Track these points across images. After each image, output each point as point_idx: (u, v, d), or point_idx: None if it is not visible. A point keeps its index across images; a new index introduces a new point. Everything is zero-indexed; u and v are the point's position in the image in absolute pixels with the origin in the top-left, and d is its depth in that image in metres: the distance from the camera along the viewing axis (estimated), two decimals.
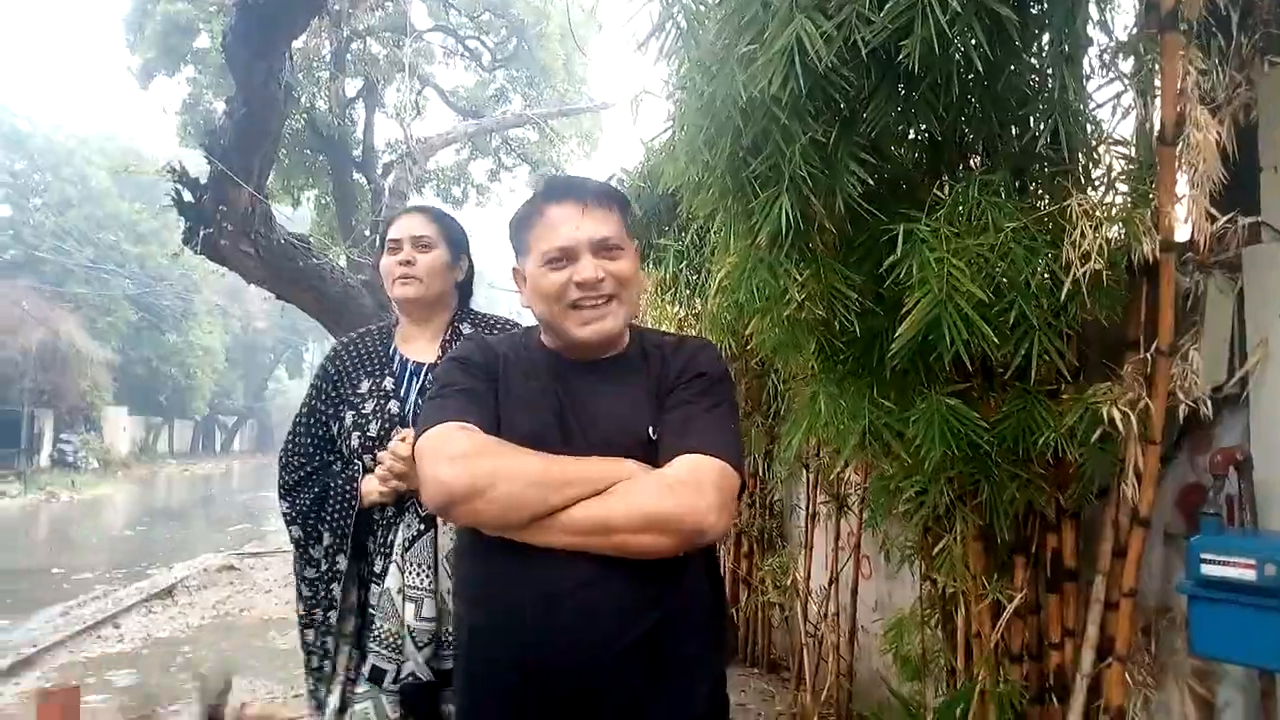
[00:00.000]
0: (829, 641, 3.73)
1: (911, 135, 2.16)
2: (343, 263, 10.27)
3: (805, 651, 3.89)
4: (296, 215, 17.70)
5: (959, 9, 1.62)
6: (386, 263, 2.12)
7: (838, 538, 3.71)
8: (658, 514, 1.35)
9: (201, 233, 7.33)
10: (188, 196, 7.38)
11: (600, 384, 1.53)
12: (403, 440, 1.92)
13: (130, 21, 13.64)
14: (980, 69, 1.77)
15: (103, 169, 26.49)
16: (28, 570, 11.19)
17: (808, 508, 4.00)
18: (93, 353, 26.55)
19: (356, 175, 14.44)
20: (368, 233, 13.48)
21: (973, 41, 1.73)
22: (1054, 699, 2.24)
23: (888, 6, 1.69)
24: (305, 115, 12.78)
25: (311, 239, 8.85)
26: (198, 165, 7.72)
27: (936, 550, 2.36)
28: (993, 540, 2.28)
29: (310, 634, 2.03)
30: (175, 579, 8.62)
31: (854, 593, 3.65)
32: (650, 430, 1.46)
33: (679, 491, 1.36)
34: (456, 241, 2.16)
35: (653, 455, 1.43)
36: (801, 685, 3.88)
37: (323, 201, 15.23)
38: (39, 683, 5.34)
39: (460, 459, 1.39)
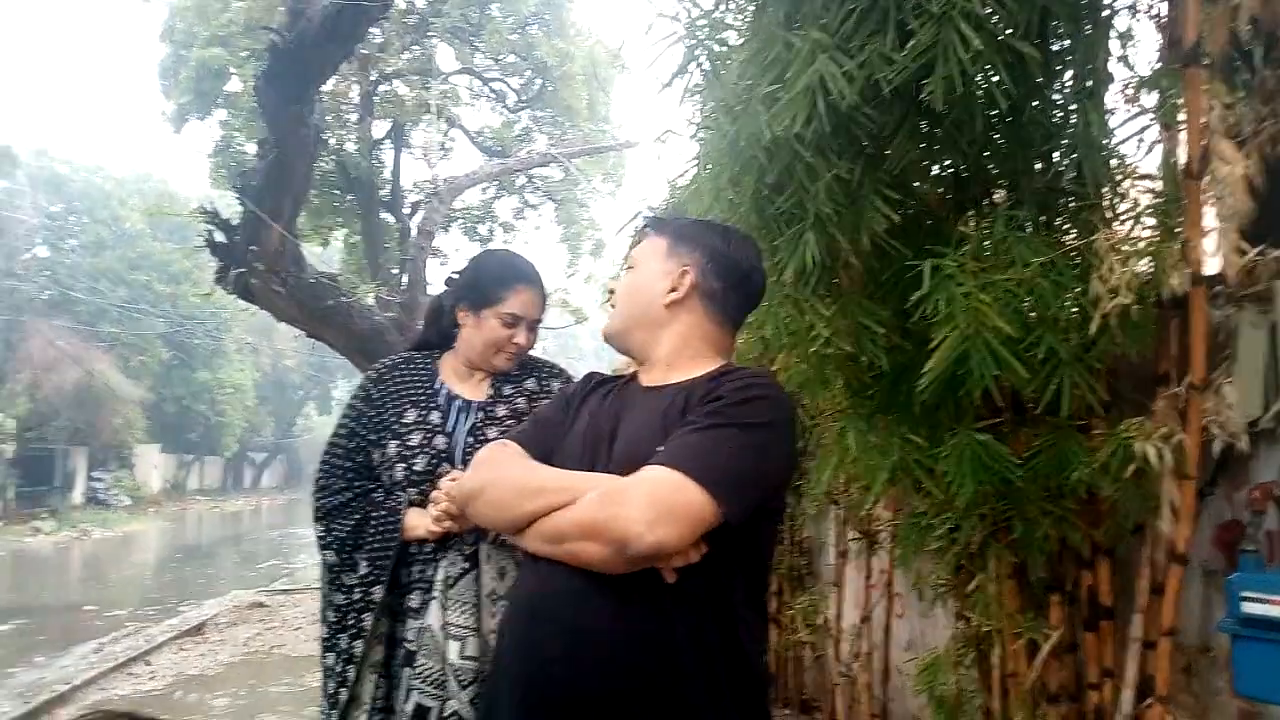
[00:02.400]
0: (862, 681, 3.67)
1: (936, 171, 2.17)
2: (370, 300, 10.36)
3: (838, 692, 3.84)
4: (326, 254, 17.94)
5: (981, 47, 1.63)
6: (499, 334, 2.07)
7: (869, 575, 3.66)
8: (589, 521, 1.37)
9: (233, 272, 7.46)
10: (220, 237, 7.52)
11: (643, 408, 1.57)
12: (453, 480, 1.92)
13: (165, 67, 13.98)
14: (1003, 106, 1.77)
15: (137, 211, 27.02)
16: (61, 607, 11.31)
17: (837, 545, 3.96)
18: (126, 391, 26.89)
19: (384, 215, 14.63)
20: (395, 271, 13.65)
21: (995, 79, 1.74)
22: None
23: (909, 45, 1.71)
24: (334, 157, 13.00)
25: (340, 278, 8.96)
26: (230, 206, 7.89)
27: (970, 588, 2.33)
28: (1026, 578, 2.25)
29: (330, 658, 2.03)
30: (206, 616, 8.66)
31: (887, 631, 3.60)
32: (660, 449, 1.46)
33: (608, 500, 1.37)
34: None
35: None
36: None
37: (351, 241, 15.42)
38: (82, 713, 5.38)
39: (477, 465, 1.62)
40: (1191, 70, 1.74)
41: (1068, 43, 1.89)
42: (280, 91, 6.56)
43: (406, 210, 14.53)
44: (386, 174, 14.80)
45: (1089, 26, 1.88)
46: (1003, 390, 1.89)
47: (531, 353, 2.31)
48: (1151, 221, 1.95)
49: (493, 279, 2.13)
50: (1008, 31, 1.72)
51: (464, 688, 1.88)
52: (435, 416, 2.07)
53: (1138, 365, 2.04)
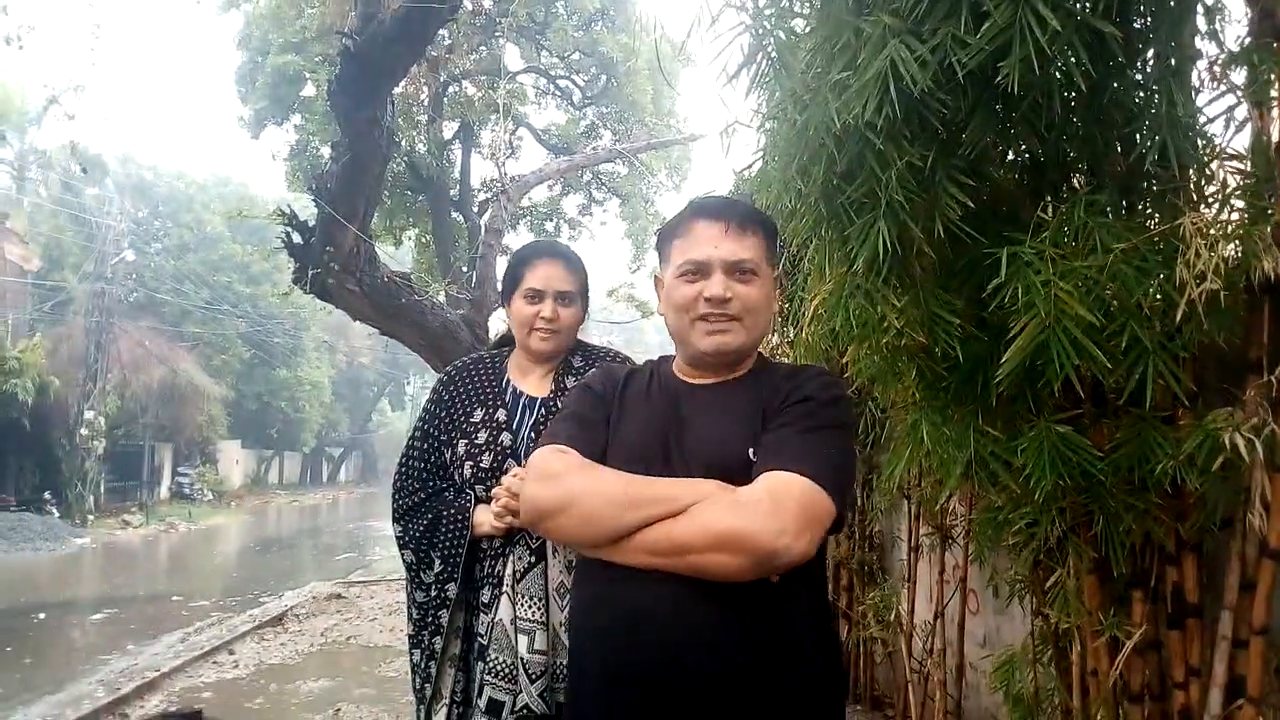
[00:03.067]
0: (935, 678, 3.61)
1: (1011, 156, 2.12)
2: (441, 298, 10.53)
3: (910, 689, 3.78)
4: (399, 254, 18.30)
5: (1059, 27, 1.58)
6: (525, 311, 2.11)
7: (942, 571, 3.60)
8: (727, 533, 1.33)
9: (310, 273, 7.64)
10: (297, 239, 7.71)
11: (710, 406, 1.54)
12: (516, 477, 1.94)
13: (242, 75, 14.39)
14: (1083, 87, 1.72)
15: (218, 214, 27.89)
16: (149, 598, 11.76)
17: (910, 540, 3.90)
18: (209, 389, 27.81)
19: (454, 214, 14.85)
20: (465, 269, 13.84)
21: (1074, 59, 1.69)
22: None
23: (984, 28, 1.66)
24: (406, 158, 13.24)
25: (413, 276, 9.12)
26: (306, 209, 8.08)
27: (1049, 584, 2.27)
28: (1108, 574, 2.18)
29: (417, 654, 2.08)
30: (285, 607, 8.91)
31: (960, 628, 3.53)
32: (751, 453, 1.45)
33: (751, 510, 1.33)
34: (586, 288, 2.19)
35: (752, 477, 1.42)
36: None
37: (423, 240, 15.70)
38: (162, 706, 5.58)
39: (548, 479, 1.49)
40: None
41: (1150, 19, 1.82)
42: (353, 95, 6.69)
43: (475, 209, 14.72)
44: (456, 174, 15.03)
45: (1174, 1, 1.82)
46: (1083, 381, 1.83)
47: (598, 343, 2.33)
48: (1240, 204, 1.88)
49: (514, 263, 2.19)
50: (1086, 10, 1.66)
51: (533, 681, 1.90)
52: (501, 414, 2.10)
53: (1226, 353, 1.96)
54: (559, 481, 1.47)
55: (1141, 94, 1.90)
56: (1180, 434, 1.92)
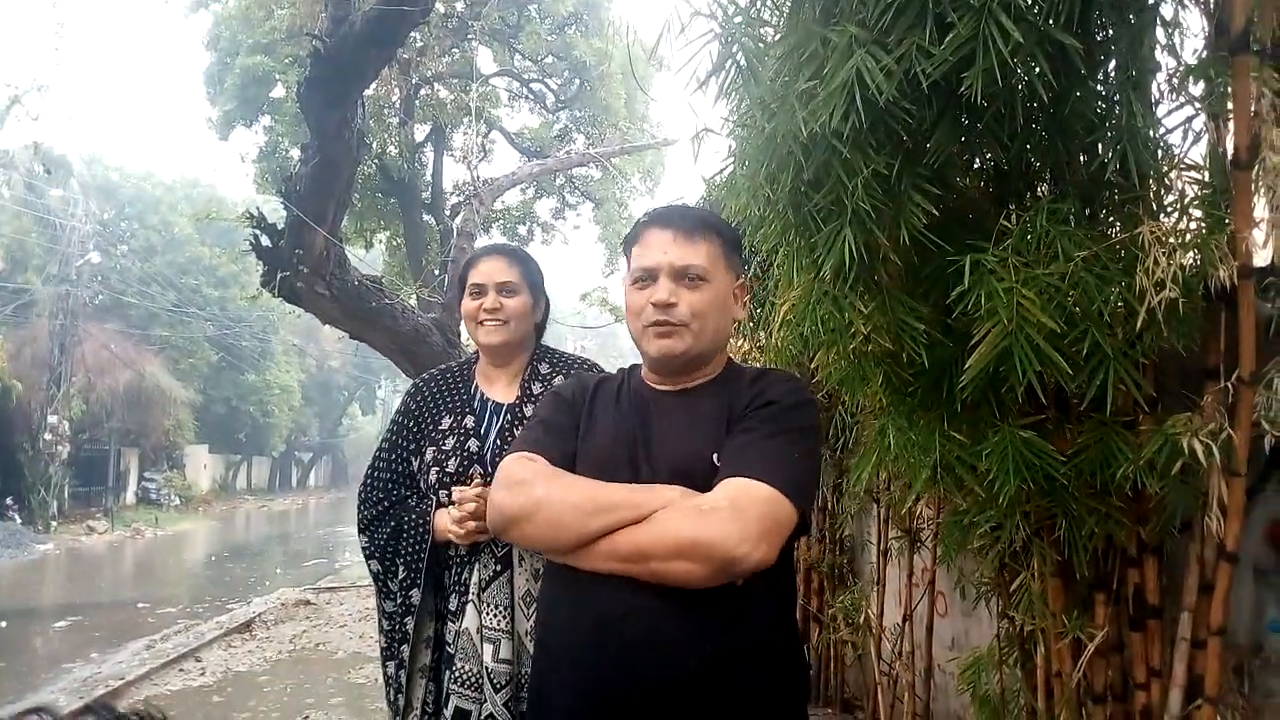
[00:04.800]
0: (904, 680, 3.64)
1: (976, 165, 2.15)
2: (413, 302, 10.48)
3: (879, 691, 3.81)
4: (369, 258, 18.20)
5: (1021, 39, 1.61)
6: (469, 307, 2.15)
7: (911, 574, 3.63)
8: (688, 540, 1.34)
9: (279, 276, 7.56)
10: (266, 241, 7.63)
11: (676, 413, 1.56)
12: (478, 486, 1.94)
13: (210, 76, 14.26)
14: (1045, 97, 1.75)
15: (185, 216, 27.54)
16: (115, 604, 11.59)
17: (879, 543, 3.93)
18: (176, 393, 27.45)
19: (426, 217, 14.79)
20: (437, 272, 13.78)
21: (1036, 70, 1.72)
22: None
23: (948, 39, 1.68)
24: (377, 160, 13.17)
25: (384, 280, 9.06)
26: (275, 211, 8.01)
27: (1014, 587, 2.30)
28: (1071, 576, 2.21)
29: (390, 666, 2.07)
30: (253, 614, 8.82)
31: (929, 630, 3.57)
32: (715, 458, 1.46)
33: (711, 517, 1.35)
34: (536, 283, 2.19)
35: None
36: None
37: (394, 243, 15.62)
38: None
39: (516, 485, 1.51)
40: (1241, 57, 1.70)
41: (1111, 32, 1.86)
42: (323, 96, 6.64)
43: (447, 212, 14.68)
44: (428, 177, 14.97)
45: (1133, 15, 1.85)
46: (1045, 387, 1.86)
47: (570, 349, 2.34)
48: (1198, 213, 1.91)
49: (462, 269, 2.24)
50: (1049, 22, 1.69)
51: (498, 690, 1.89)
52: (470, 421, 2.11)
53: (1185, 360, 2.00)
54: (525, 488, 1.48)
55: (1102, 105, 1.94)
56: (1141, 439, 1.96)
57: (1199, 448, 1.79)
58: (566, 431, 1.59)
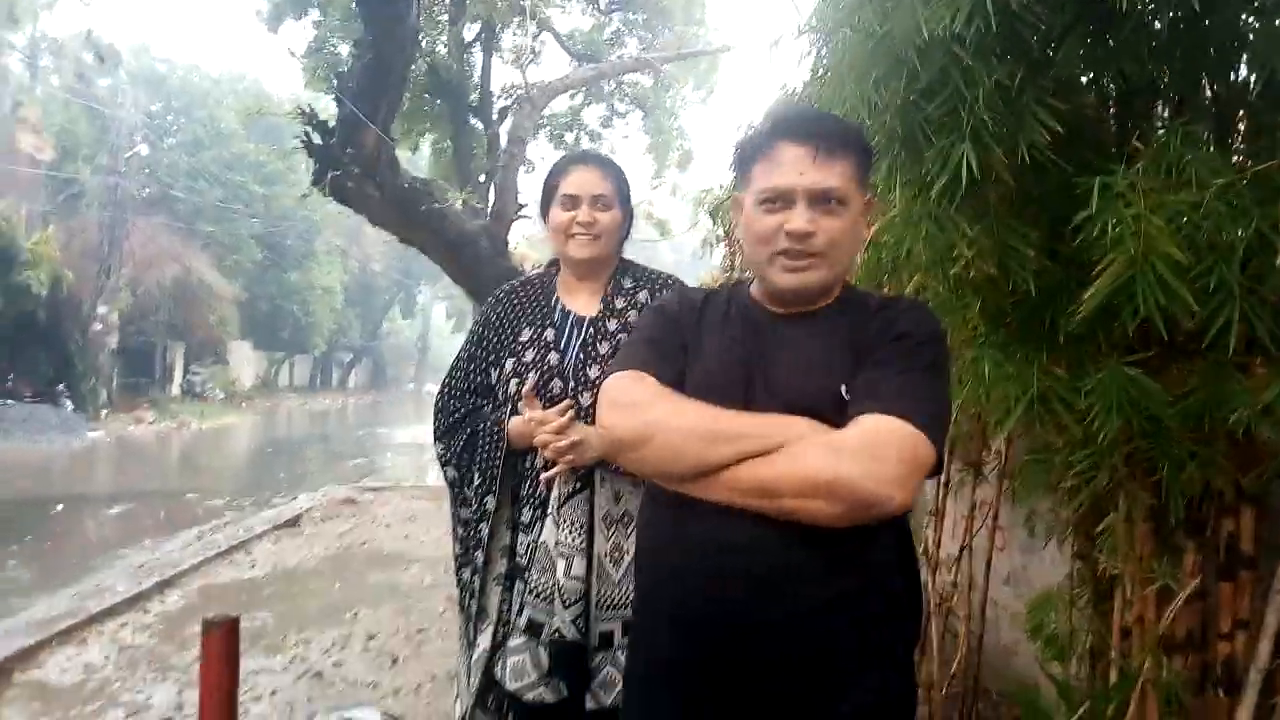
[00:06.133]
0: (959, 613, 3.60)
1: (1099, 81, 1.99)
2: (459, 207, 10.39)
3: (933, 622, 3.78)
4: (413, 161, 18.03)
5: None
6: (561, 218, 2.06)
7: (973, 507, 3.55)
8: (824, 479, 1.25)
9: (330, 175, 7.48)
10: (316, 139, 7.53)
11: (795, 338, 1.45)
12: (565, 415, 1.89)
13: None
14: (1196, 7, 1.59)
15: (232, 111, 27.42)
16: (164, 494, 11.93)
17: (943, 474, 3.85)
18: (221, 289, 27.81)
19: (473, 120, 14.54)
20: (483, 178, 13.62)
21: None
22: (1220, 691, 2.10)
23: None
24: (426, 60, 12.90)
25: (434, 183, 8.96)
26: (325, 109, 7.88)
27: (1100, 529, 2.22)
28: (1162, 521, 2.13)
29: (466, 573, 2.05)
30: (300, 510, 8.98)
31: (989, 564, 3.51)
32: (843, 389, 1.37)
33: (851, 456, 1.26)
34: (626, 196, 2.11)
35: (844, 416, 1.34)
36: (927, 654, 3.77)
37: (440, 146, 15.42)
38: (181, 602, 5.66)
39: (628, 407, 1.40)
40: None
41: None
42: None
43: (495, 116, 14.42)
44: (475, 78, 14.66)
45: None
46: (1166, 322, 1.74)
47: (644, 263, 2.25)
48: None
49: (550, 175, 2.13)
50: None
51: (567, 606, 1.87)
52: (550, 334, 2.05)
53: None
54: (640, 411, 1.39)
55: (1247, 20, 1.76)
56: (1255, 382, 1.84)
57: None
58: (674, 351, 1.49)
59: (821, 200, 1.41)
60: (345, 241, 36.69)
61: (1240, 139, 1.93)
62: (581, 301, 2.10)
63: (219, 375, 30.43)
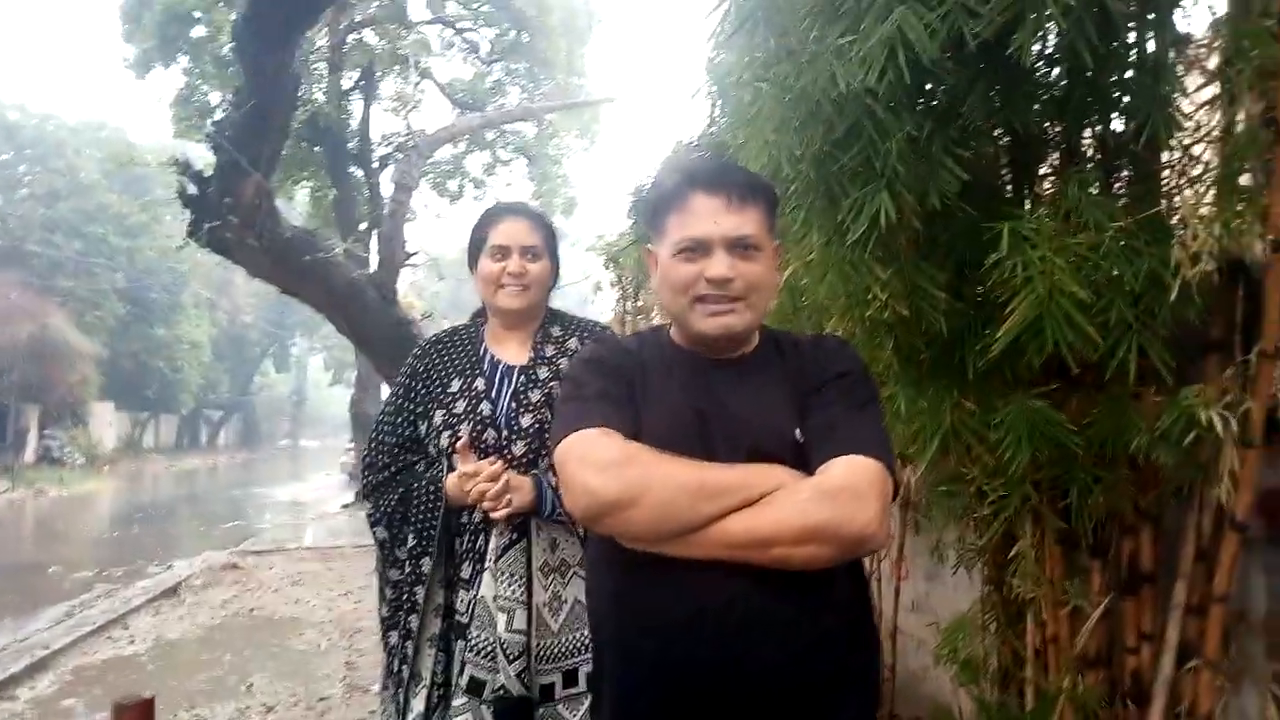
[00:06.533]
0: None
1: (999, 130, 2.12)
2: (342, 257, 10.16)
3: None
4: (289, 210, 17.60)
5: (1071, 1, 1.58)
6: (490, 269, 2.05)
7: None
8: (818, 524, 1.28)
9: (207, 226, 7.23)
10: (192, 189, 7.28)
11: (739, 384, 1.47)
12: (494, 466, 1.88)
13: (128, 11, 13.47)
14: (1089, 62, 1.72)
15: (92, 161, 26.18)
16: (24, 567, 11.08)
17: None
18: (80, 347, 26.27)
19: (353, 168, 14.32)
20: (363, 226, 13.38)
21: (1082, 32, 1.68)
22: (1129, 703, 2.21)
23: None
24: (306, 108, 12.67)
25: (318, 232, 8.76)
26: (201, 158, 7.63)
27: (1011, 554, 2.32)
28: (1070, 544, 2.24)
29: (394, 636, 1.98)
30: (179, 578, 8.50)
31: (897, 593, 3.61)
32: (796, 433, 1.40)
33: (838, 499, 1.30)
34: (555, 248, 2.12)
35: (800, 459, 1.37)
36: None
37: (318, 194, 15.11)
38: (54, 686, 5.26)
39: (609, 468, 1.35)
40: None
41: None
42: (262, 37, 6.32)
43: (375, 164, 14.24)
44: (354, 126, 14.47)
45: None
46: (1071, 357, 1.85)
47: (571, 312, 2.26)
48: (1217, 187, 1.91)
49: (478, 226, 2.13)
50: None
51: (510, 661, 1.83)
52: (480, 383, 2.03)
53: (1177, 332, 2.02)
54: (624, 470, 1.34)
55: (1132, 73, 1.91)
56: (1148, 409, 1.97)
57: (1216, 419, 1.81)
58: (626, 403, 1.46)
59: (738, 246, 1.44)
60: (214, 293, 35.35)
61: (1122, 185, 2.09)
62: (511, 350, 2.09)
63: (79, 438, 28.62)
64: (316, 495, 20.69)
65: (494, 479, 1.83)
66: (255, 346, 44.65)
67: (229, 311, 38.29)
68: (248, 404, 48.59)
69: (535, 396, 2.00)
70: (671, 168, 1.78)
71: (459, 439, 1.94)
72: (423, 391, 2.06)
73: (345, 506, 16.54)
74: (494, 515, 1.85)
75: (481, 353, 2.09)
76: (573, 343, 2.10)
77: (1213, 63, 1.97)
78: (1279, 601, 2.09)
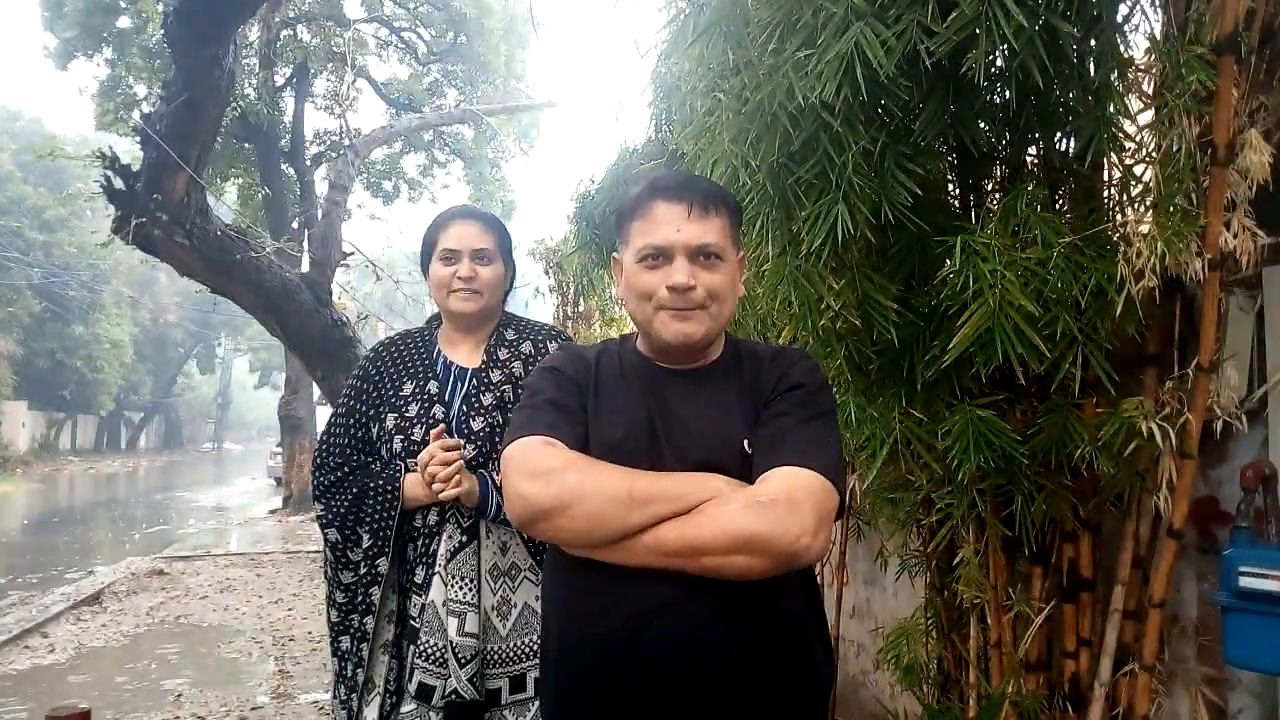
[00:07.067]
0: None
1: (944, 146, 2.16)
2: (273, 256, 9.92)
3: None
4: (218, 207, 17.14)
5: (1024, 22, 1.62)
6: (441, 273, 2.03)
7: None
8: (749, 535, 1.27)
9: (134, 222, 7.00)
10: (119, 184, 7.04)
11: (693, 393, 1.48)
12: (436, 443, 1.86)
13: None
14: (1040, 82, 1.76)
15: (7, 151, 25.18)
16: None
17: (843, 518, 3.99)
18: None
19: (285, 166, 14.03)
20: (295, 225, 13.10)
21: (1034, 54, 1.73)
22: (1069, 707, 2.27)
23: (952, 17, 1.67)
24: (238, 103, 12.36)
25: (249, 231, 8.54)
26: (127, 151, 7.39)
27: (955, 561, 2.37)
28: (1013, 551, 2.30)
29: (345, 640, 1.94)
30: (102, 584, 8.18)
31: (838, 600, 3.66)
32: (745, 443, 1.40)
33: (771, 510, 1.29)
34: (508, 250, 2.10)
35: (748, 469, 1.38)
36: None
37: (248, 192, 14.76)
38: None
39: (543, 475, 1.36)
40: (1226, 58, 1.77)
41: (1095, 24, 1.89)
42: (194, 30, 6.14)
43: (308, 162, 13.97)
44: (287, 123, 14.16)
45: (1096, 11, 1.88)
46: (1003, 368, 1.91)
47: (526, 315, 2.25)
48: (1168, 206, 1.97)
49: (429, 231, 2.12)
50: (1048, 9, 1.70)
51: (462, 665, 1.82)
52: (433, 386, 2.01)
53: (1116, 346, 2.08)
54: (557, 478, 1.35)
55: (1079, 94, 1.97)
56: (1095, 420, 2.03)
57: (1156, 431, 1.87)
58: (576, 413, 1.48)
59: (700, 255, 1.46)
60: (136, 291, 34.29)
61: (1075, 201, 2.14)
62: (464, 354, 2.07)
63: None
64: (242, 500, 20.19)
65: (450, 450, 1.84)
66: (179, 347, 43.43)
67: (152, 310, 37.20)
68: (170, 406, 47.27)
69: (487, 400, 1.99)
70: (631, 177, 1.78)
71: (413, 443, 1.92)
72: (374, 394, 2.04)
73: (273, 512, 16.18)
74: (441, 495, 1.83)
75: (435, 356, 2.07)
76: (526, 346, 2.09)
77: (1150, 86, 2.05)
78: (1209, 606, 2.16)
